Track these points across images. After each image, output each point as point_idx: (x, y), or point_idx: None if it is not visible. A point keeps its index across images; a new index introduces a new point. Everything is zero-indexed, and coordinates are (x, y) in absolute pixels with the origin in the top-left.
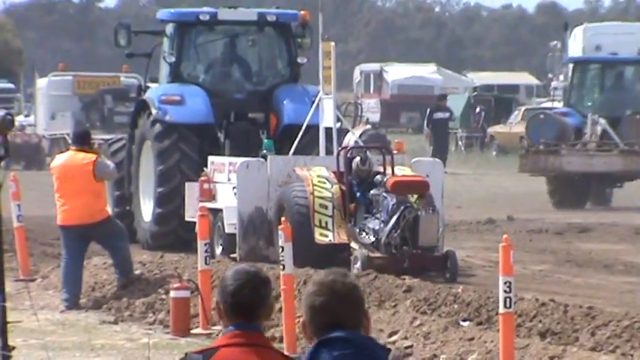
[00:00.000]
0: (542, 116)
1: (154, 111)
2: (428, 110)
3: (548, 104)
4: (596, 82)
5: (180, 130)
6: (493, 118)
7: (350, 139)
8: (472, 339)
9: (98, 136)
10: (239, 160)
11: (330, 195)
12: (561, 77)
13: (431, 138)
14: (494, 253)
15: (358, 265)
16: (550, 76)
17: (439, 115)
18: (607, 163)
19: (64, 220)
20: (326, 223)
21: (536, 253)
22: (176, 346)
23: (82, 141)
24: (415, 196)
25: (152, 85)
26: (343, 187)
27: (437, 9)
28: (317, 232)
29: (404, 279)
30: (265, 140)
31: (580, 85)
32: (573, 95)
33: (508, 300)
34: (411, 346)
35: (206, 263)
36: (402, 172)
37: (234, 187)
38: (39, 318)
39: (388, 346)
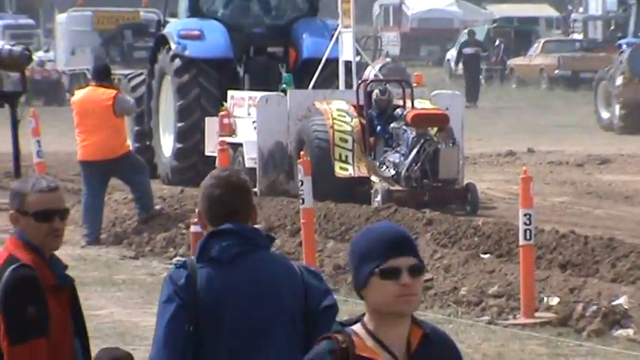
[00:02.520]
0: None
1: (173, 46)
2: (457, 47)
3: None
4: None
5: (200, 64)
6: (513, 51)
7: (369, 72)
8: (492, 271)
9: (118, 72)
10: (259, 95)
11: (349, 128)
12: (581, 9)
13: (462, 73)
14: (514, 186)
15: (378, 198)
16: (570, 7)
17: (468, 50)
18: None
19: (84, 155)
20: (346, 156)
21: (556, 185)
22: None
23: (102, 76)
24: (435, 129)
25: (171, 20)
26: (363, 121)
27: None
28: (337, 165)
29: (424, 212)
30: (285, 74)
31: None
32: None
33: (528, 232)
34: (431, 279)
35: None
36: (422, 105)
37: (254, 122)
38: (60, 253)
39: None
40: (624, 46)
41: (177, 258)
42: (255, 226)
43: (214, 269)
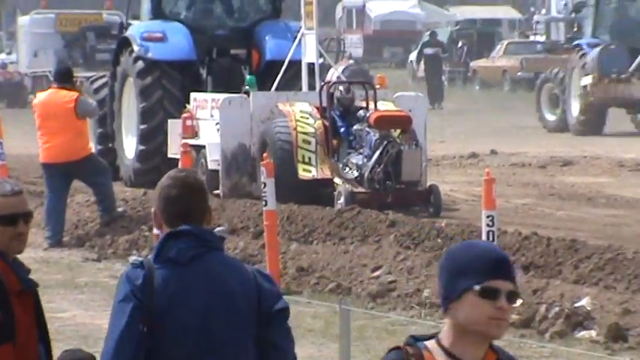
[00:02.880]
0: (612, 47)
1: (135, 48)
2: (418, 47)
3: (532, 38)
4: (619, 13)
5: (163, 66)
6: (476, 53)
7: (332, 74)
8: None
9: (81, 74)
10: (221, 97)
11: (313, 130)
12: (543, 10)
13: (424, 75)
14: (477, 187)
15: (342, 200)
16: (532, 9)
17: (428, 51)
18: None
19: (46, 157)
20: (309, 158)
21: (519, 186)
22: None
23: (64, 79)
24: (398, 130)
25: (134, 22)
26: (326, 123)
27: None
28: (300, 167)
29: (387, 214)
30: (248, 76)
31: (607, 16)
32: (600, 26)
33: (491, 234)
34: (394, 281)
35: None
36: (385, 106)
37: (216, 124)
38: (22, 256)
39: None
40: (584, 47)
41: (134, 257)
42: (220, 227)
43: (171, 270)
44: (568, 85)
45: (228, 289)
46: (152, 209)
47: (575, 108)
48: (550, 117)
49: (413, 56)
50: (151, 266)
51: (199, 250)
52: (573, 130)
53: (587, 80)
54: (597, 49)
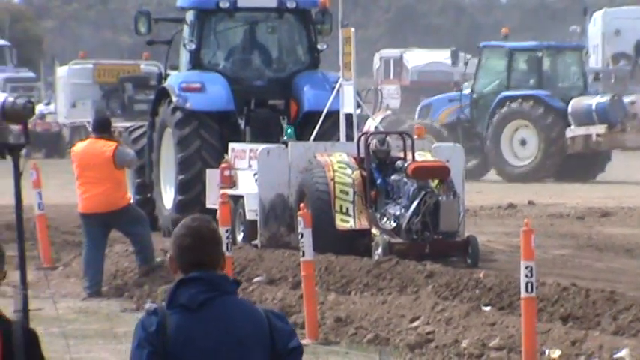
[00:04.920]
0: (615, 98)
1: (174, 98)
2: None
3: None
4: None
5: (201, 117)
6: None
7: (370, 125)
8: (494, 324)
9: (119, 124)
10: (260, 147)
11: (350, 181)
12: None
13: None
14: (515, 238)
15: (379, 250)
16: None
17: None
18: None
19: (84, 207)
20: (347, 209)
21: (557, 237)
22: None
23: (103, 129)
24: (436, 181)
25: (172, 73)
26: (364, 173)
27: None
28: (338, 218)
29: (425, 264)
30: (286, 127)
31: (552, 70)
32: (546, 81)
33: (529, 285)
34: (432, 332)
35: (227, 250)
36: (423, 157)
37: (255, 174)
38: (61, 306)
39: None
40: (545, 98)
41: (149, 304)
42: (258, 277)
43: (183, 316)
44: (496, 134)
45: (239, 331)
46: (168, 255)
47: (511, 156)
48: None
49: None
50: (165, 313)
51: (210, 295)
52: (522, 177)
53: (597, 130)
54: (605, 100)
